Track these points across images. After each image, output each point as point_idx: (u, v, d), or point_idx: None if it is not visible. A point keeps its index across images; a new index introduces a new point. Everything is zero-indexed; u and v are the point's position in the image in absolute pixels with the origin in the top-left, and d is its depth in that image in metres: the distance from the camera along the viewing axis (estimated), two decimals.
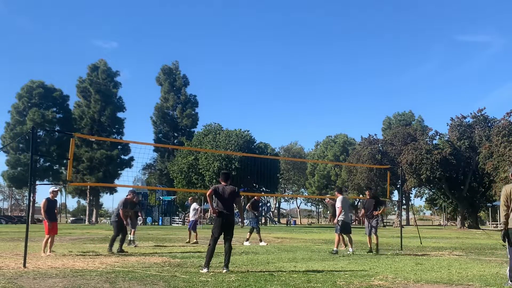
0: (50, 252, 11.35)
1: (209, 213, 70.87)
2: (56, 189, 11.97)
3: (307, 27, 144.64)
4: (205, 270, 7.94)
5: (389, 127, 66.25)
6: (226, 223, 8.22)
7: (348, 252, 12.08)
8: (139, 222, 15.64)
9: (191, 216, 17.14)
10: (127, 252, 12.23)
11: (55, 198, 11.85)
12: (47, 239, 11.34)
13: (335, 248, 12.19)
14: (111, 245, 12.34)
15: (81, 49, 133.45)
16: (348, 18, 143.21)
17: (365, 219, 13.04)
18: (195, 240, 16.46)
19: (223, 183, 8.40)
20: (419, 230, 20.69)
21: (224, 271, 7.94)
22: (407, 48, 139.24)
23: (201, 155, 49.02)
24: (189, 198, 18.37)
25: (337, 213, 12.17)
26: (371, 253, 12.26)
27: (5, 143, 59.15)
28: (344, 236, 12.62)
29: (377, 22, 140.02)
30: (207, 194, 8.27)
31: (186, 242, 16.45)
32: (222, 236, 8.33)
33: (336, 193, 12.89)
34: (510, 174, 7.27)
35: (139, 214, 16.22)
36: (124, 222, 12.76)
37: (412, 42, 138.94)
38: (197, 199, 18.57)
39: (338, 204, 12.17)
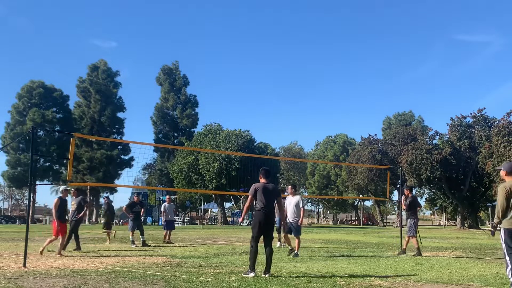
0: (44, 250, 11.15)
1: (209, 213, 70.93)
2: (68, 188, 12.05)
3: (307, 27, 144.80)
4: (252, 275, 7.37)
5: (389, 127, 66.27)
6: (266, 223, 7.64)
7: (282, 245, 11.74)
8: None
9: (167, 216, 16.85)
10: (81, 251, 12.48)
11: (66, 198, 11.84)
12: (52, 240, 11.18)
13: (296, 251, 11.51)
14: (77, 244, 12.69)
15: (81, 48, 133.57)
16: (348, 18, 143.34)
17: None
18: (167, 240, 16.21)
19: (263, 180, 7.86)
20: (419, 230, 20.66)
21: (267, 275, 7.46)
22: (407, 48, 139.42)
23: (201, 155, 48.98)
24: (167, 197, 18.14)
25: (302, 214, 11.38)
26: (404, 255, 11.92)
27: (5, 143, 59.14)
28: (288, 235, 11.75)
29: (377, 22, 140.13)
30: (250, 195, 7.69)
31: (167, 243, 15.99)
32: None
33: (291, 189, 11.84)
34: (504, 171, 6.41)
35: (141, 213, 16.13)
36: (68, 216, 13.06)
37: (412, 42, 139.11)
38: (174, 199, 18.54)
39: (301, 204, 11.41)
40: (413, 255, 12.00)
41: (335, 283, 6.83)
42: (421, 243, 16.58)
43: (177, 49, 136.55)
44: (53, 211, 11.36)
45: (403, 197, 12.63)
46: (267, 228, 7.71)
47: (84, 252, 12.15)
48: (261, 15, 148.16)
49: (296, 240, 11.41)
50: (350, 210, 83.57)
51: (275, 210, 11.32)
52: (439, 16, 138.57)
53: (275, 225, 14.54)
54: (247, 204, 7.94)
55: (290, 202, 11.56)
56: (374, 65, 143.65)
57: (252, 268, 7.48)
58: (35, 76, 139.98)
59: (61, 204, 11.42)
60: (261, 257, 7.93)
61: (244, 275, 7.44)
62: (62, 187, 11.94)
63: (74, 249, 12.55)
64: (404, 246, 12.46)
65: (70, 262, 9.56)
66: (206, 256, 11.42)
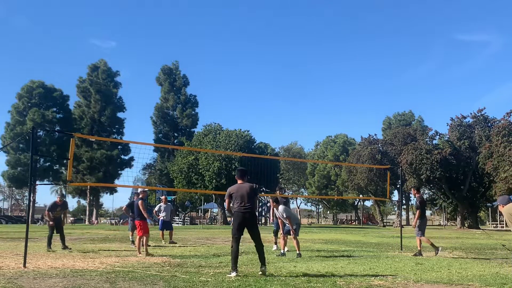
0: (146, 253, 11.25)
1: (209, 213, 70.95)
2: (146, 190, 12.68)
3: (307, 27, 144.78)
4: (233, 274, 7.42)
5: (389, 127, 66.26)
6: (244, 222, 7.80)
7: (282, 252, 11.77)
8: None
9: (165, 216, 16.81)
10: (71, 248, 12.82)
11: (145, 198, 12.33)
12: (141, 239, 11.35)
13: (282, 251, 11.77)
14: (49, 244, 12.82)
15: (80, 48, 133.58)
16: (348, 18, 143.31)
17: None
18: (169, 240, 16.23)
19: (239, 181, 8.05)
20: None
21: (263, 269, 7.65)
22: (407, 48, 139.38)
23: (201, 155, 48.98)
24: (163, 197, 18.17)
25: (289, 222, 11.53)
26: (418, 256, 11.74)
27: (5, 143, 59.15)
28: (283, 237, 12.02)
29: (377, 22, 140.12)
30: (226, 199, 8.02)
31: (170, 242, 15.95)
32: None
33: (272, 203, 12.03)
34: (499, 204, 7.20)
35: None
36: (50, 222, 13.19)
37: (412, 42, 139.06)
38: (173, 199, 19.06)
39: (285, 214, 11.53)
40: (436, 253, 11.87)
41: (335, 283, 6.82)
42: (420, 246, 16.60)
43: (177, 49, 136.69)
44: (142, 211, 11.52)
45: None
46: (248, 227, 7.86)
47: (84, 252, 12.15)
48: (261, 15, 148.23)
49: (282, 240, 11.84)
50: (350, 210, 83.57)
51: (272, 214, 11.69)
52: (439, 16, 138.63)
53: (273, 228, 14.50)
54: (226, 207, 8.23)
55: (278, 214, 11.89)
56: (374, 65, 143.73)
57: (234, 268, 7.57)
58: (35, 76, 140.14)
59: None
60: (256, 256, 7.93)
61: (228, 276, 7.46)
62: (140, 189, 12.40)
63: (63, 248, 12.85)
64: (418, 248, 12.17)
65: (70, 262, 9.56)
66: (206, 256, 11.43)
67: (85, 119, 63.84)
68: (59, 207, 13.44)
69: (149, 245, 14.51)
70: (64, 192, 15.44)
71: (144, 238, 11.36)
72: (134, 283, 6.71)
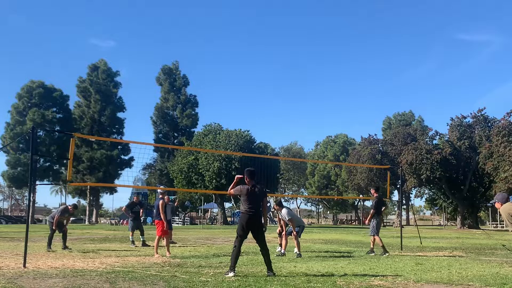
0: (169, 253, 11.25)
1: (209, 213, 70.88)
2: (164, 188, 12.62)
3: (307, 27, 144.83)
4: (231, 274, 7.37)
5: (389, 127, 66.27)
6: (251, 224, 7.74)
7: (282, 252, 11.86)
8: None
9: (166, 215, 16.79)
10: (71, 248, 12.92)
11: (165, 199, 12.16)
12: (159, 240, 11.33)
13: (283, 250, 11.96)
14: (49, 244, 12.93)
15: (80, 48, 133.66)
16: (348, 18, 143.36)
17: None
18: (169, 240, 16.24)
19: (248, 181, 7.94)
20: (419, 230, 20.69)
21: (270, 274, 7.56)
22: (407, 48, 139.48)
23: (201, 155, 48.96)
24: (166, 197, 18.02)
25: (292, 224, 11.79)
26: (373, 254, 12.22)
27: (5, 143, 59.15)
28: (285, 237, 12.21)
29: (377, 22, 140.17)
30: (232, 190, 7.99)
31: (170, 242, 15.93)
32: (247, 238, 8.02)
33: (277, 206, 12.21)
34: (496, 202, 7.07)
35: (140, 213, 16.14)
36: (54, 226, 13.23)
37: (412, 42, 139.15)
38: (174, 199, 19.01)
39: (288, 217, 11.75)
40: (381, 254, 12.06)
41: (335, 283, 6.82)
42: (421, 243, 16.60)
43: (177, 49, 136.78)
44: (160, 212, 11.43)
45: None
46: (253, 230, 7.79)
47: (84, 252, 12.15)
48: (261, 15, 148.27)
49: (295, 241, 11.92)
50: (350, 210, 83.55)
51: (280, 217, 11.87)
52: (439, 16, 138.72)
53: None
54: (230, 188, 8.16)
55: (280, 216, 12.17)
56: (374, 65, 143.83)
57: (233, 268, 7.51)
58: (35, 76, 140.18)
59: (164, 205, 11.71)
60: (261, 257, 7.97)
61: (225, 275, 7.44)
62: (160, 190, 12.49)
63: (63, 248, 12.98)
64: (371, 246, 12.67)
65: (70, 262, 9.56)
66: (206, 256, 11.43)
67: (85, 119, 63.81)
68: (67, 214, 13.74)
69: (148, 245, 14.54)
70: (76, 204, 15.57)
71: (163, 238, 11.30)
72: (134, 283, 6.70)
